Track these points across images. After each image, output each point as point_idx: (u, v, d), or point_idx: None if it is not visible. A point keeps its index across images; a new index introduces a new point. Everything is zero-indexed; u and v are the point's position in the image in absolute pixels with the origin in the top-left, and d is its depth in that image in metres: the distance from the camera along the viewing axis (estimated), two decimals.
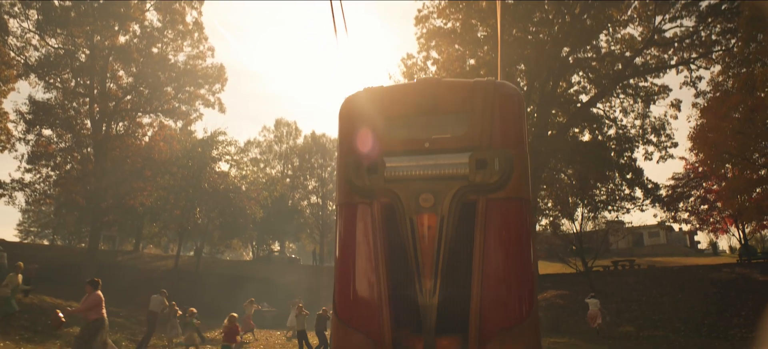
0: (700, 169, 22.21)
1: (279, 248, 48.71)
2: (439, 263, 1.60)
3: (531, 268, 1.66)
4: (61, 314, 7.26)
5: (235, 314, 9.26)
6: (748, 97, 13.06)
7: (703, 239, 48.68)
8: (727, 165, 14.97)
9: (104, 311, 7.38)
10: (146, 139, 27.75)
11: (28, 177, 26.24)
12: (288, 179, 46.49)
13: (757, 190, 13.83)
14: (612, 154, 26.00)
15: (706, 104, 16.88)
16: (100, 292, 7.49)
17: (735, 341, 11.64)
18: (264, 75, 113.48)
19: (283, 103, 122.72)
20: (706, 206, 26.71)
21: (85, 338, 7.23)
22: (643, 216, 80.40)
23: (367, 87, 1.87)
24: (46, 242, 45.81)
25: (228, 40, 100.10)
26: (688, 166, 26.70)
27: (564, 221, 25.81)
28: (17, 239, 45.75)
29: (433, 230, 1.63)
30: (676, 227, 42.04)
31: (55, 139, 26.34)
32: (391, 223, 1.74)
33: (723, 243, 46.33)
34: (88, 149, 26.27)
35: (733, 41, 21.51)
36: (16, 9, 25.27)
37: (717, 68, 22.02)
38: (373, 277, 1.67)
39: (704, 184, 26.35)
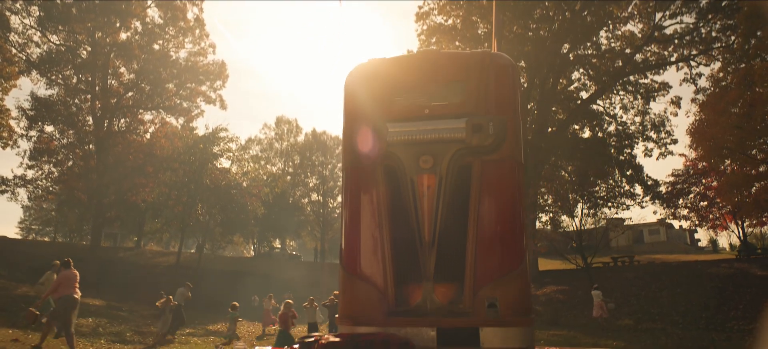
0: (700, 165, 22.26)
1: (280, 245, 48.83)
2: (437, 218, 1.77)
3: (522, 224, 1.81)
4: (34, 311, 7.40)
5: (290, 301, 9.42)
6: (746, 92, 13.13)
7: (703, 236, 48.72)
8: (725, 161, 15.06)
9: (76, 289, 7.38)
10: (148, 135, 27.86)
11: (30, 173, 26.38)
12: (289, 177, 46.58)
13: (756, 185, 13.90)
14: (612, 150, 26.08)
15: (705, 100, 16.95)
16: (72, 271, 7.51)
17: (732, 333, 11.74)
18: (264, 73, 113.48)
19: (283, 102, 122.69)
20: (705, 203, 26.71)
21: (57, 315, 7.50)
22: (643, 214, 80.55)
23: (371, 58, 2.00)
24: (47, 240, 45.91)
25: (227, 39, 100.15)
26: (688, 163, 26.73)
27: (564, 217, 25.87)
28: (19, 237, 45.83)
29: (432, 189, 1.80)
30: (676, 224, 41.96)
31: (57, 136, 26.45)
32: (393, 183, 1.89)
33: (723, 241, 46.33)
34: (90, 146, 26.37)
35: (733, 38, 21.57)
36: (18, 5, 25.28)
37: (717, 65, 22.08)
38: (376, 232, 1.84)
39: (704, 180, 26.36)
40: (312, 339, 1.57)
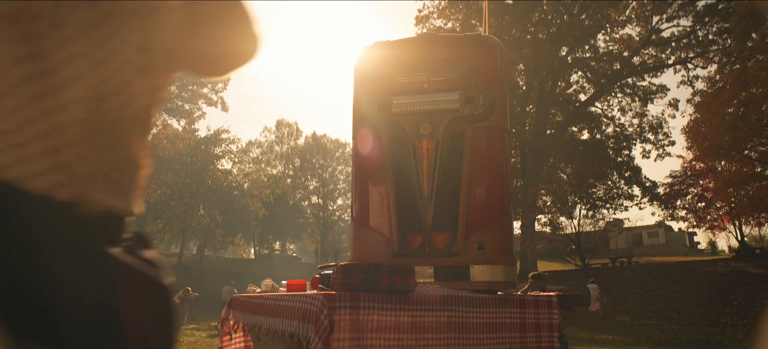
0: (697, 165, 22.48)
1: (279, 247, 49.02)
2: (434, 176, 2.06)
3: (507, 181, 2.11)
4: None
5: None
6: (741, 93, 13.40)
7: (702, 238, 48.86)
8: (721, 160, 15.30)
9: None
10: (150, 137, 28.12)
11: None
12: (289, 179, 46.82)
13: (751, 184, 14.13)
14: (610, 152, 26.29)
15: (700, 100, 17.21)
16: None
17: (725, 328, 11.95)
18: (263, 76, 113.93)
19: (283, 105, 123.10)
20: (703, 204, 26.85)
21: None
22: (642, 216, 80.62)
23: (377, 41, 2.29)
24: None
25: None
26: (686, 164, 26.93)
27: (563, 219, 26.02)
28: None
29: (430, 151, 2.10)
30: (675, 226, 42.03)
31: None
32: (397, 147, 2.19)
33: (722, 243, 46.48)
34: None
35: (729, 41, 21.85)
36: None
37: (714, 67, 22.35)
38: (382, 189, 2.15)
39: (701, 181, 26.50)
40: (331, 265, 1.81)
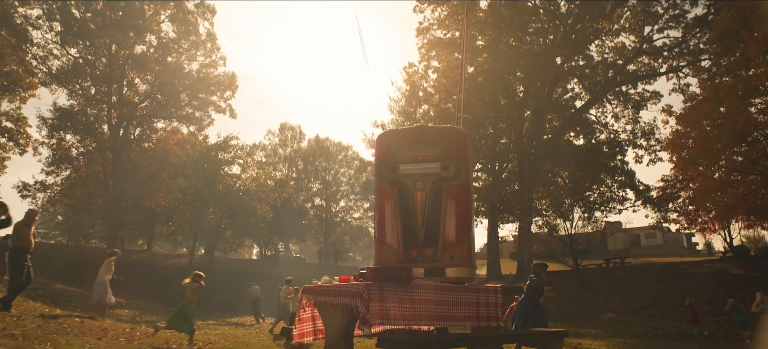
0: (680, 177, 23.43)
1: (283, 248, 50.05)
2: (425, 213, 3.30)
3: (469, 216, 3.32)
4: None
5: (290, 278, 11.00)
6: (717, 107, 14.37)
7: (699, 239, 49.66)
8: (699, 168, 16.26)
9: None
10: (162, 143, 29.23)
11: (50, 179, 27.75)
12: (293, 182, 47.95)
13: (728, 190, 15.09)
14: (603, 158, 27.17)
15: (681, 112, 18.23)
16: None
17: (704, 324, 12.99)
18: (264, 79, 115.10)
19: (283, 108, 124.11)
20: (693, 207, 27.76)
21: None
22: (639, 218, 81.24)
23: (388, 129, 3.55)
24: (52, 242, 46.94)
25: (227, 45, 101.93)
26: (676, 169, 27.85)
27: (559, 221, 26.93)
28: None
29: (422, 198, 3.39)
30: (673, 227, 43.07)
31: (76, 144, 27.80)
32: (402, 195, 3.44)
33: (718, 244, 47.25)
34: (108, 154, 27.71)
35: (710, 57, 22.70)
36: (40, 21, 26.64)
37: (706, 75, 23.26)
38: (393, 220, 3.38)
39: (691, 185, 27.39)
40: (365, 268, 2.94)
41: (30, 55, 26.20)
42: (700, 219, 28.15)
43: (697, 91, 18.07)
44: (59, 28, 26.83)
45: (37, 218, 9.08)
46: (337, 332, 3.00)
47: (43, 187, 27.88)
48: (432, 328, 3.63)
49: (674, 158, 17.65)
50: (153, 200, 26.95)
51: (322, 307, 3.29)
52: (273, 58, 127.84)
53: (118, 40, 27.17)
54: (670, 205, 28.36)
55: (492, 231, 28.10)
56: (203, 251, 33.29)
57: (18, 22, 25.46)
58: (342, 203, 54.22)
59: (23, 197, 27.30)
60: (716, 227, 28.37)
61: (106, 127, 28.27)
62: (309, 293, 3.52)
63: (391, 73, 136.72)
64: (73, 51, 27.74)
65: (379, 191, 3.55)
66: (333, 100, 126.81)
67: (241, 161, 26.54)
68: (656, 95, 27.99)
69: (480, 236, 43.79)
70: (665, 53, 27.19)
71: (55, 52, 27.30)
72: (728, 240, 26.52)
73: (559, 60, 27.63)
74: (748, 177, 14.68)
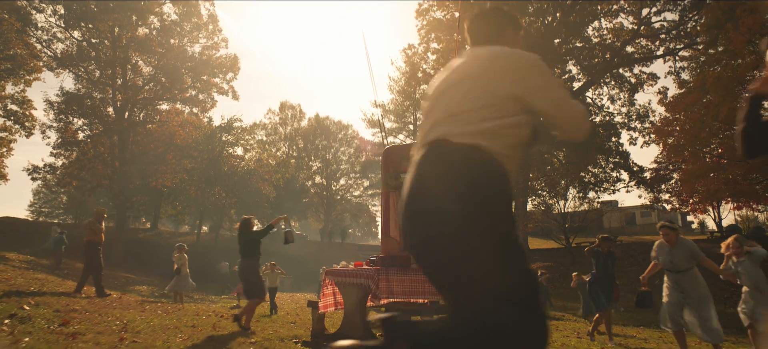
0: (668, 165, 24.03)
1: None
2: None
3: None
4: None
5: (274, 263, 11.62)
6: (704, 96, 14.91)
7: (694, 218, 50.69)
8: (685, 153, 16.89)
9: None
10: (166, 126, 29.80)
11: (59, 161, 28.41)
12: (293, 160, 48.60)
13: (712, 175, 15.75)
14: (598, 140, 27.81)
15: (670, 100, 18.80)
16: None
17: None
18: (261, 55, 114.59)
19: (280, 84, 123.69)
20: (682, 188, 28.48)
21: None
22: (632, 198, 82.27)
23: (393, 144, 4.26)
24: (57, 221, 47.77)
25: (224, 18, 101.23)
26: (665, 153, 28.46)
27: (554, 201, 27.75)
28: (30, 219, 47.75)
29: None
30: (668, 207, 43.93)
31: (83, 127, 28.35)
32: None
33: (711, 223, 48.25)
34: (114, 137, 28.27)
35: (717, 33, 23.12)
36: (43, 4, 26.84)
37: (695, 64, 23.71)
38: (395, 218, 3.98)
39: (683, 166, 28.08)
40: (375, 255, 3.74)
41: (34, 38, 26.53)
42: (691, 200, 28.99)
43: (687, 78, 18.61)
44: (62, 11, 27.08)
45: (105, 215, 9.87)
46: (354, 303, 3.85)
47: (51, 169, 28.57)
48: (426, 301, 4.44)
49: (661, 145, 18.30)
50: (159, 180, 27.72)
51: (342, 285, 4.08)
52: (270, 32, 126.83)
53: (120, 23, 27.44)
54: (663, 186, 29.09)
55: None
56: (206, 228, 34.23)
57: (21, 4, 25.73)
58: (342, 181, 54.97)
59: (33, 179, 28.02)
60: (707, 207, 29.19)
61: (111, 109, 28.78)
62: (332, 275, 4.33)
63: (390, 52, 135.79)
64: (76, 34, 28.03)
65: (384, 194, 4.29)
66: (332, 77, 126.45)
67: (244, 143, 27.16)
68: (653, 77, 28.50)
69: None
70: (662, 36, 27.56)
71: (58, 35, 27.60)
72: (717, 220, 27.38)
73: (557, 42, 27.99)
74: (732, 164, 15.32)
